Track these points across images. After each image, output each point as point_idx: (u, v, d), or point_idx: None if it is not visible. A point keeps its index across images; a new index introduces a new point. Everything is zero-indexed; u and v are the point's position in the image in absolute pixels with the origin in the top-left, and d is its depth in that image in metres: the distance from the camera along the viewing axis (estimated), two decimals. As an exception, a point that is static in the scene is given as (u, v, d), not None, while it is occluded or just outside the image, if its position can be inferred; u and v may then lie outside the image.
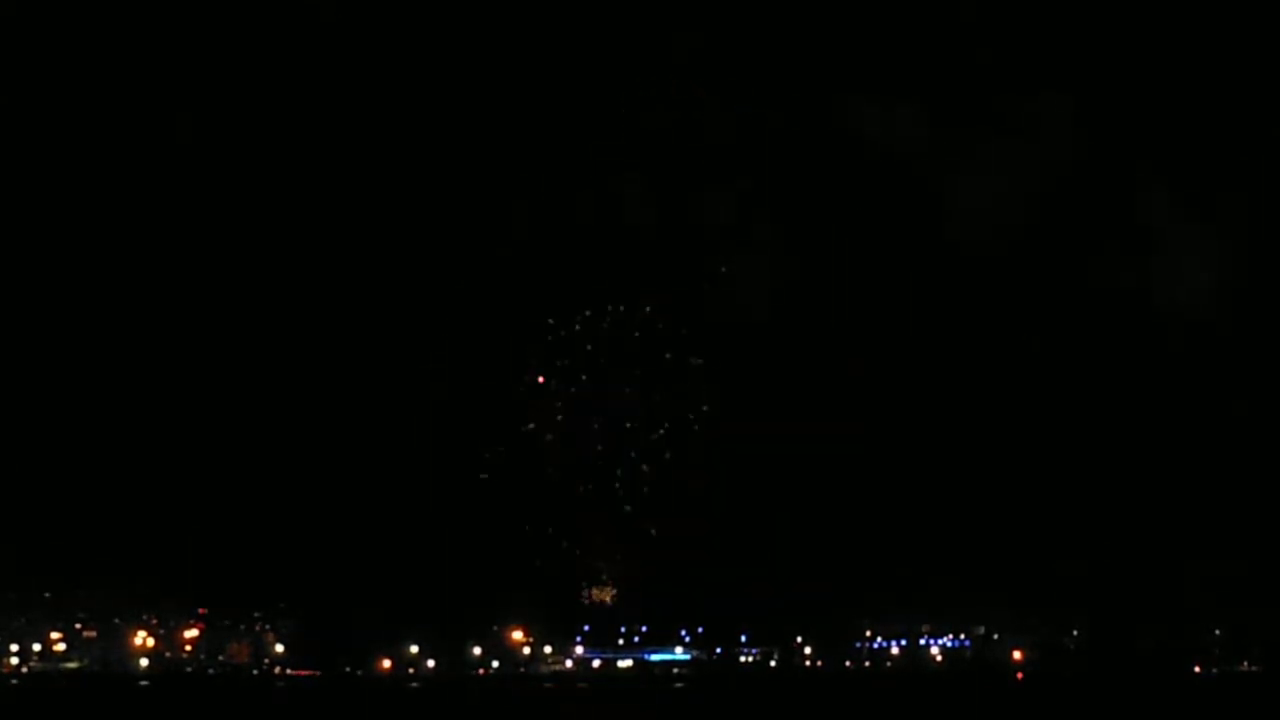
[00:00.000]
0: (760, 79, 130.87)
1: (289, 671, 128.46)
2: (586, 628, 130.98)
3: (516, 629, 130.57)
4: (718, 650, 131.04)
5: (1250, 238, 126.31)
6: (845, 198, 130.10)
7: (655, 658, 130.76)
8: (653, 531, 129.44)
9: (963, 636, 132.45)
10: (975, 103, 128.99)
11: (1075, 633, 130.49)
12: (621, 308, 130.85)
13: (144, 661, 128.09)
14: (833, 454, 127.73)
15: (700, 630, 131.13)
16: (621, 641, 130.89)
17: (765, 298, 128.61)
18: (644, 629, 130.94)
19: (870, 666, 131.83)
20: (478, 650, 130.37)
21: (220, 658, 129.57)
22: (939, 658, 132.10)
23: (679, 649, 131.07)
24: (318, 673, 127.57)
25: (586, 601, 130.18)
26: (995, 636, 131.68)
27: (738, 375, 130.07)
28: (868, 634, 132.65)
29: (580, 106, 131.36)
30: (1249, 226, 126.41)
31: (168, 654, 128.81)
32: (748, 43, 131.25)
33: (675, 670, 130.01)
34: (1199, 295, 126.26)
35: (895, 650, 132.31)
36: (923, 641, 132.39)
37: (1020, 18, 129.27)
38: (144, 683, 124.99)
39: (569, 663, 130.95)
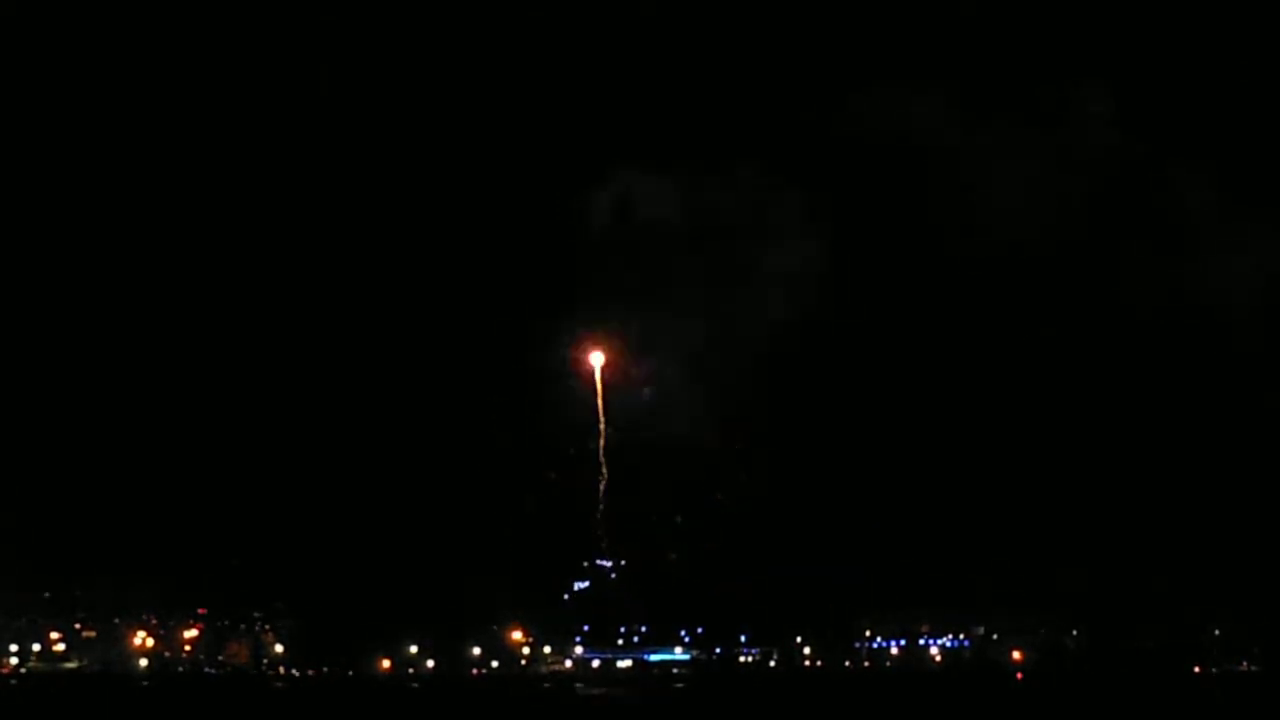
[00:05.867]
0: (783, 67, 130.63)
1: (290, 671, 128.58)
2: (586, 627, 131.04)
3: (516, 629, 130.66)
4: (717, 650, 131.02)
5: None
6: (872, 190, 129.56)
7: (655, 658, 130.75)
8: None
9: (962, 636, 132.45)
10: (1008, 91, 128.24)
11: (1075, 633, 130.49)
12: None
13: (143, 661, 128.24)
14: (833, 453, 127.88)
15: (700, 630, 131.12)
16: (621, 641, 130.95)
17: (782, 295, 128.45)
18: (643, 629, 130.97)
19: (870, 666, 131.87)
20: (477, 650, 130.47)
21: (220, 658, 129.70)
22: (938, 658, 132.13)
23: (679, 649, 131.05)
24: (317, 673, 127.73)
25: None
26: (995, 636, 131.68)
27: (743, 376, 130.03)
28: (867, 634, 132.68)
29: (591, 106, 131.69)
30: None
31: (167, 654, 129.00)
32: (771, 31, 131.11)
33: (675, 670, 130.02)
34: (1241, 294, 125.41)
35: (895, 650, 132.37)
36: (922, 641, 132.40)
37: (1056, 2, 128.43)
38: (144, 683, 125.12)
39: (568, 663, 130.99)
